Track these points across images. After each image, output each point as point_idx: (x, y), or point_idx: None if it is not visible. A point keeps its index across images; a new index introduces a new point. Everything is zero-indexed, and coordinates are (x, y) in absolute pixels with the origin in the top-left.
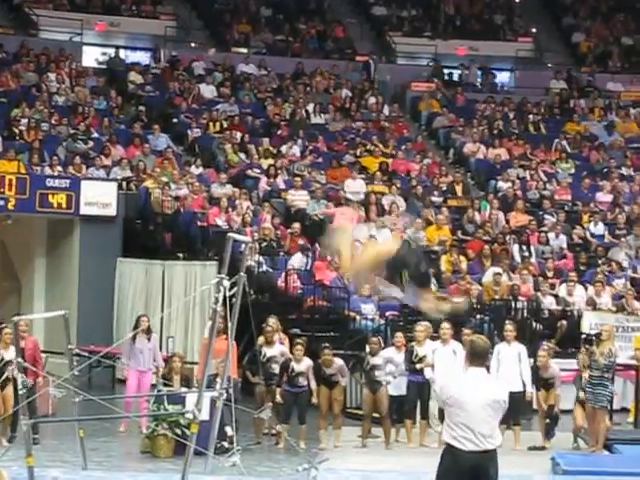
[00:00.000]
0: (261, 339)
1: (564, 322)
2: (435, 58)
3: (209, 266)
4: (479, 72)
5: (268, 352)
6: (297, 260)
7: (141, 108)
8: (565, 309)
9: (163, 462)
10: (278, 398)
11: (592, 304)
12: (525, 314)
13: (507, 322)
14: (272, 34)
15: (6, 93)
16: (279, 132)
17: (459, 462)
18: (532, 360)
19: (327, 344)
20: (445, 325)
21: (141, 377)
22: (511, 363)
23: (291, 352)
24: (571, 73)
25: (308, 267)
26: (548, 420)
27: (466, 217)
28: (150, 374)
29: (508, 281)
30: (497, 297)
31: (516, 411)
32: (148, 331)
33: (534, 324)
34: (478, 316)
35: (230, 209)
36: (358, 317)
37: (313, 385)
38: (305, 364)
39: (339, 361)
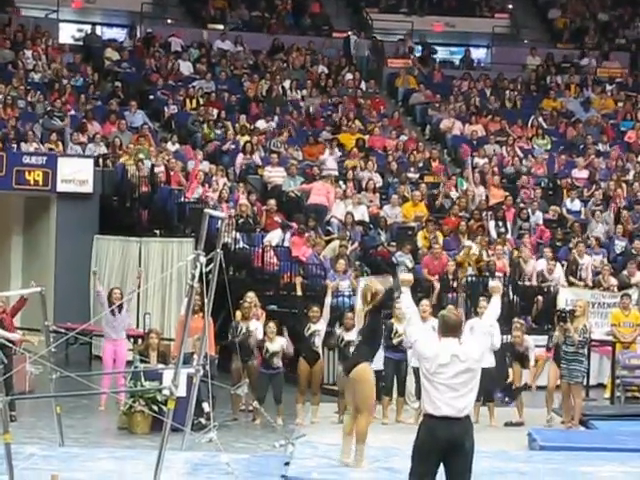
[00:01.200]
0: (238, 315)
1: (540, 298)
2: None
3: (185, 243)
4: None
5: (244, 328)
6: (273, 237)
7: (117, 84)
8: (541, 285)
9: (140, 438)
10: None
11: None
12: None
13: (481, 298)
14: (248, 10)
15: None
16: (255, 108)
17: (435, 434)
18: (508, 337)
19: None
20: (425, 302)
21: (115, 347)
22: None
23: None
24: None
25: (285, 244)
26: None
27: (442, 193)
28: (124, 343)
29: (485, 257)
30: (472, 273)
31: (490, 387)
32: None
33: (511, 296)
34: (454, 293)
35: (206, 185)
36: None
37: (290, 350)
38: (279, 343)
39: (323, 321)
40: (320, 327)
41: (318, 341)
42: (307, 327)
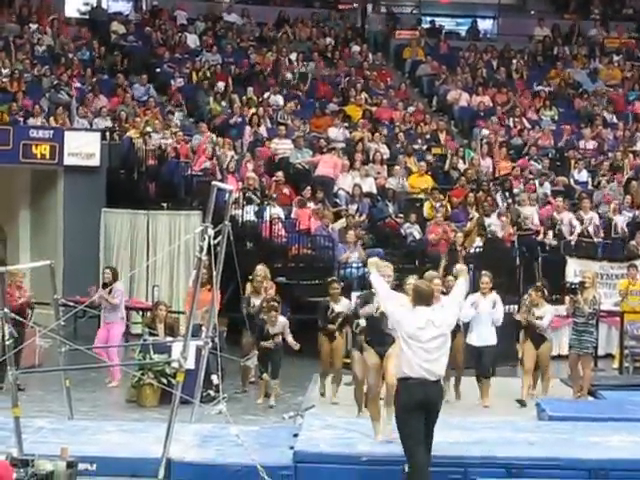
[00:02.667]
0: (249, 288)
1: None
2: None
3: (193, 216)
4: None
5: (257, 302)
6: (281, 209)
7: (124, 58)
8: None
9: (149, 411)
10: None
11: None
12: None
13: (483, 273)
14: None
15: None
16: (262, 81)
17: (413, 393)
18: (510, 307)
19: (335, 278)
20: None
21: (109, 328)
22: (487, 318)
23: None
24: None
25: (292, 215)
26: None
27: (449, 164)
28: (117, 326)
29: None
30: (480, 244)
31: (488, 364)
32: (110, 284)
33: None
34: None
35: (214, 159)
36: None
37: (290, 339)
38: (280, 325)
39: (346, 300)
40: (342, 309)
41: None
42: (330, 310)
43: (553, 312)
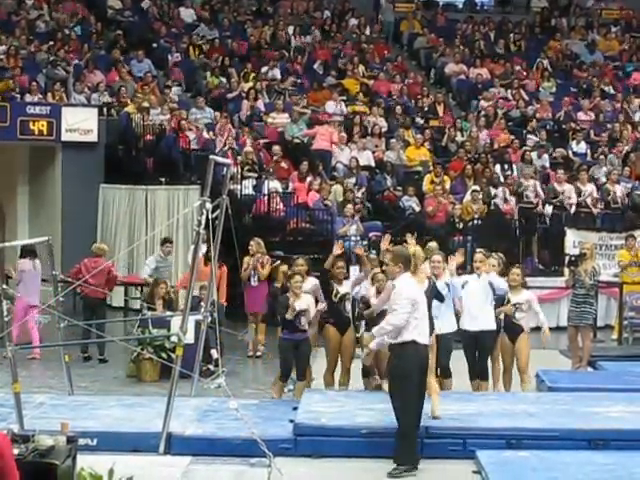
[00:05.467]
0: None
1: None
2: None
3: (192, 190)
4: None
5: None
6: (279, 183)
7: (120, 33)
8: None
9: (149, 386)
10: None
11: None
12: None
13: (478, 250)
14: None
15: None
16: (259, 55)
17: (420, 355)
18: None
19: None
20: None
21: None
22: (480, 298)
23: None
24: None
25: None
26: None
27: (447, 137)
28: (19, 301)
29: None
30: (476, 216)
31: (486, 359)
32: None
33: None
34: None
35: (211, 133)
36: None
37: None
38: (305, 301)
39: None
40: (348, 289)
41: (349, 306)
42: (334, 291)
43: (534, 297)
